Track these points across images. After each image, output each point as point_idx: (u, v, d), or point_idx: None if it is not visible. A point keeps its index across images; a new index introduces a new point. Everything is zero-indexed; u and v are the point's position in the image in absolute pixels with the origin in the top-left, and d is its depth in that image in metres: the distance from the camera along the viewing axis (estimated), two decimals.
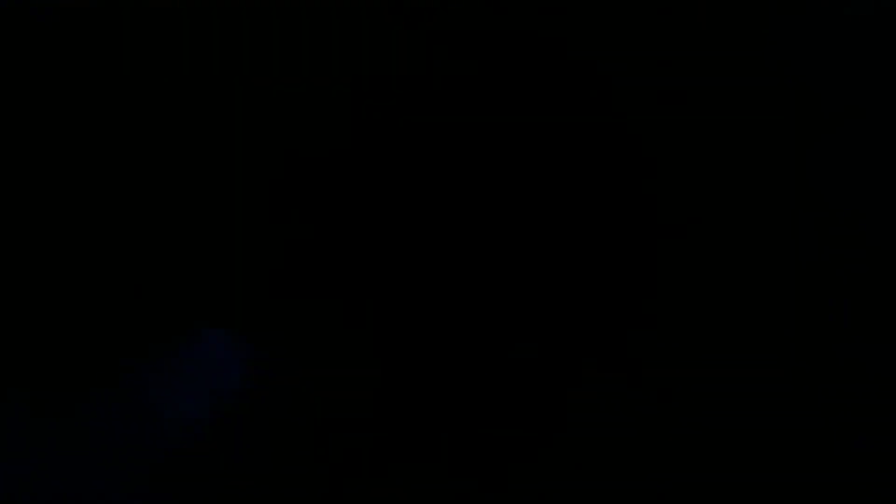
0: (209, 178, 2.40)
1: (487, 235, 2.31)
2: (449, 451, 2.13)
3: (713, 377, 2.15)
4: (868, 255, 2.23)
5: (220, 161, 2.41)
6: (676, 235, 2.28)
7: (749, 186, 2.32)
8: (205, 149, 2.41)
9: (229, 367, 2.21)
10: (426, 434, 2.14)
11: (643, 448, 2.10)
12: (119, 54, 2.46)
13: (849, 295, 2.20)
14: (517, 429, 2.14)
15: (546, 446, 2.11)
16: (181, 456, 2.13)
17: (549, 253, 2.29)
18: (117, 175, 2.42)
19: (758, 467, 2.07)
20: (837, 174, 2.32)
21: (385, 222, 2.33)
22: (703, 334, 2.19)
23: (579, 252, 2.28)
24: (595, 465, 2.09)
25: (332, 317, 2.26)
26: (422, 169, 2.35)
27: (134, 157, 2.41)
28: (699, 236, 2.28)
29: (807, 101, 2.37)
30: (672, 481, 2.07)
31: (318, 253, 2.32)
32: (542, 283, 2.26)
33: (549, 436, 2.12)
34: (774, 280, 2.23)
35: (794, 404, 2.11)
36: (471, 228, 2.31)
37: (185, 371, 2.21)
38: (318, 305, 2.28)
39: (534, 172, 2.35)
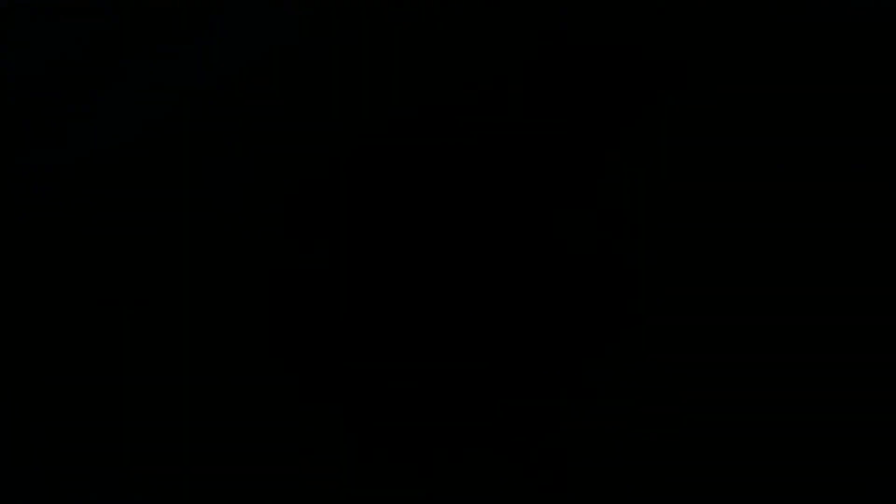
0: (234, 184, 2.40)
1: (488, 236, 2.31)
2: (443, 451, 2.13)
3: (709, 373, 2.15)
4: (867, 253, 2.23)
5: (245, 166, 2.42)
6: (670, 233, 2.28)
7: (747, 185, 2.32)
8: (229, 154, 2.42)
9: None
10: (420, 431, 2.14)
11: (636, 447, 2.09)
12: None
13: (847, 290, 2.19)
14: (511, 427, 2.14)
15: (538, 445, 2.11)
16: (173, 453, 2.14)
17: (547, 251, 2.29)
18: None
19: (755, 466, 2.07)
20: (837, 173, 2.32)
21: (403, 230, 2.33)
22: (699, 330, 2.19)
23: (579, 250, 2.29)
24: (588, 462, 2.09)
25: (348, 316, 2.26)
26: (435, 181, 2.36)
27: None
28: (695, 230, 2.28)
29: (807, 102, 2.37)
30: (668, 481, 2.07)
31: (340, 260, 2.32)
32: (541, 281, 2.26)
33: (541, 434, 2.12)
34: (770, 277, 2.23)
35: (792, 405, 2.11)
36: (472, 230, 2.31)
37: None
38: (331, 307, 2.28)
39: (536, 176, 2.36)
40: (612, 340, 2.21)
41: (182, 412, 2.18)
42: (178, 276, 2.33)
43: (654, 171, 2.36)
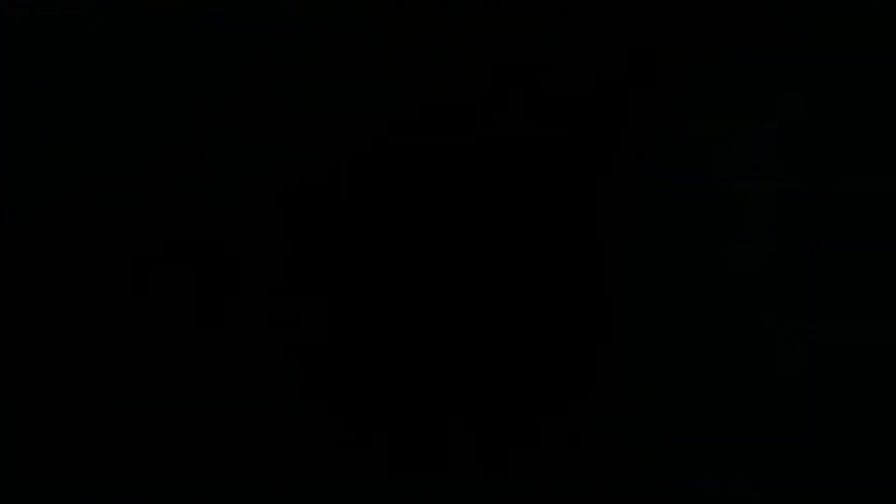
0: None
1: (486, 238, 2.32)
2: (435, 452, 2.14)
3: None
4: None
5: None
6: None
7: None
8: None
9: None
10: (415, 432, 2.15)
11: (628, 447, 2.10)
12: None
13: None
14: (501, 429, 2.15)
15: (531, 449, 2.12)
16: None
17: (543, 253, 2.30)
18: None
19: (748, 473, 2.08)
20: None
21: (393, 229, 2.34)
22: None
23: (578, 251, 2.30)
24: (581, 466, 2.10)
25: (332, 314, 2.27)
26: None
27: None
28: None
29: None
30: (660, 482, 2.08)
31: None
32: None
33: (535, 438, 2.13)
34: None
35: (792, 406, 2.12)
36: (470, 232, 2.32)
37: None
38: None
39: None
40: (613, 340, 2.22)
41: (181, 412, 2.19)
42: (176, 275, 2.34)
43: (656, 171, 2.37)
